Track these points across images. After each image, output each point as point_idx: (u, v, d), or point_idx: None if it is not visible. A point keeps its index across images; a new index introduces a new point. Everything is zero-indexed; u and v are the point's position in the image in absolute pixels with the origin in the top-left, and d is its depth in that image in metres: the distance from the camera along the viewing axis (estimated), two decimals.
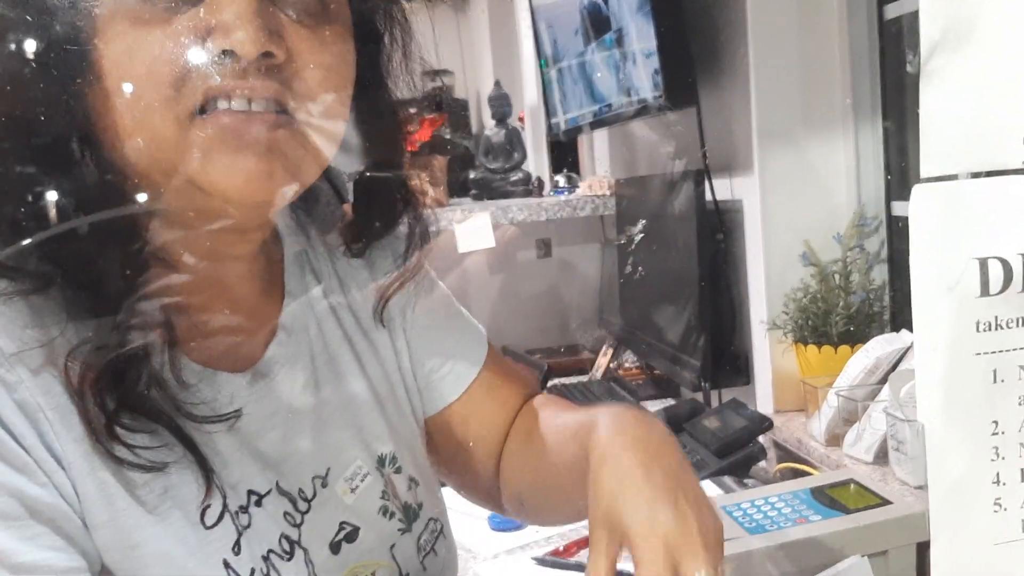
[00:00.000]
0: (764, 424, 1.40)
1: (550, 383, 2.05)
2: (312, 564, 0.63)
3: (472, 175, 2.65)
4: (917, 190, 0.43)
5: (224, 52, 0.51)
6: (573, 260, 2.49)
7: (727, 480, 1.26)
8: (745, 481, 1.29)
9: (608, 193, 2.24)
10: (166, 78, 0.51)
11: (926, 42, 0.42)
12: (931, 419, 0.46)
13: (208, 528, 0.58)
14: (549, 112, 2.39)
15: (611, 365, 2.16)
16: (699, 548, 0.52)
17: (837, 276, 1.50)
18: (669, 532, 0.52)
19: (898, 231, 1.53)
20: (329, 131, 0.58)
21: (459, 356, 0.77)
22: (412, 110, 0.70)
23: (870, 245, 1.53)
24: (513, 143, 2.59)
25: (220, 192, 0.54)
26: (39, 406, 0.52)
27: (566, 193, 2.47)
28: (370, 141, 0.67)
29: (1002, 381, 0.46)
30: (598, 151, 2.62)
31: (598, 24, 1.90)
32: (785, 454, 1.50)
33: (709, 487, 1.25)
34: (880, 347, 1.35)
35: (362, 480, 0.68)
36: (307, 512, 0.64)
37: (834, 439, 1.38)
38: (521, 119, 2.93)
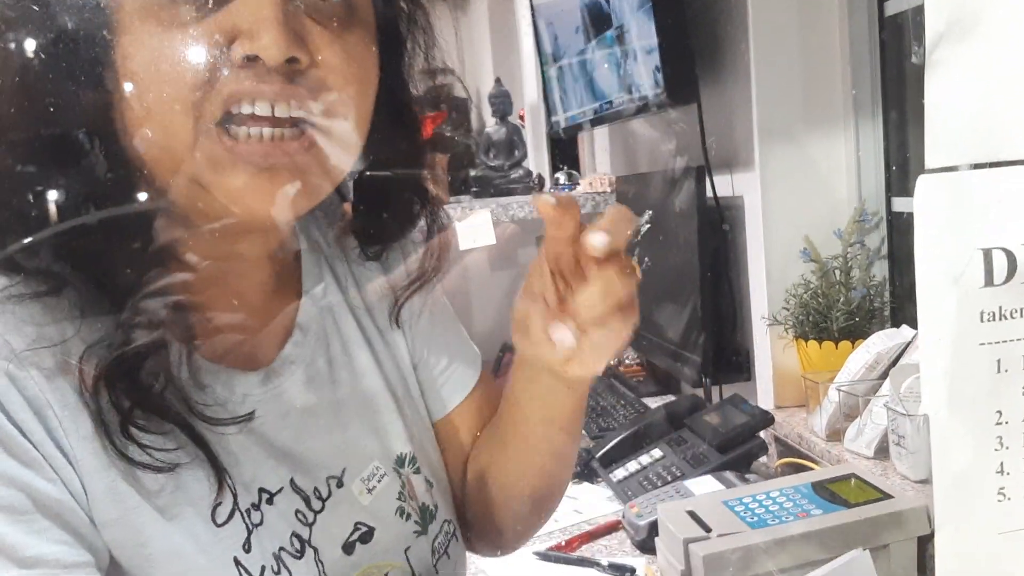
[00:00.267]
0: (765, 419, 1.40)
1: None
2: (322, 564, 0.62)
3: (473, 172, 2.64)
4: (922, 181, 0.44)
5: (248, 57, 0.51)
6: None
7: (728, 475, 1.26)
8: (746, 476, 1.29)
9: (609, 190, 2.24)
10: (189, 81, 0.51)
11: (931, 33, 0.42)
12: (935, 409, 0.46)
13: (219, 526, 0.58)
14: (549, 109, 2.38)
15: (611, 362, 2.16)
16: None
17: (838, 272, 1.50)
18: None
19: (898, 227, 1.53)
20: (350, 140, 0.58)
21: (459, 361, 0.78)
22: (429, 112, 0.70)
23: (870, 241, 1.53)
24: (514, 140, 2.58)
25: (239, 210, 0.55)
26: (47, 403, 0.52)
27: (567, 190, 2.47)
28: (389, 144, 0.66)
29: (1006, 371, 0.46)
30: (599, 148, 2.62)
31: (598, 21, 1.89)
32: (786, 449, 1.50)
33: (711, 482, 1.25)
34: (881, 342, 1.36)
35: (379, 480, 0.68)
36: (320, 511, 0.64)
37: (835, 434, 1.39)
38: (521, 117, 2.92)
